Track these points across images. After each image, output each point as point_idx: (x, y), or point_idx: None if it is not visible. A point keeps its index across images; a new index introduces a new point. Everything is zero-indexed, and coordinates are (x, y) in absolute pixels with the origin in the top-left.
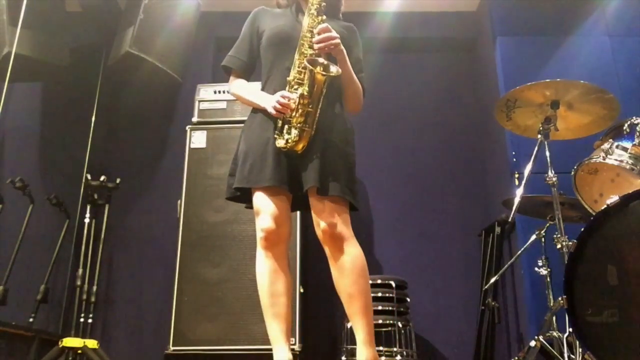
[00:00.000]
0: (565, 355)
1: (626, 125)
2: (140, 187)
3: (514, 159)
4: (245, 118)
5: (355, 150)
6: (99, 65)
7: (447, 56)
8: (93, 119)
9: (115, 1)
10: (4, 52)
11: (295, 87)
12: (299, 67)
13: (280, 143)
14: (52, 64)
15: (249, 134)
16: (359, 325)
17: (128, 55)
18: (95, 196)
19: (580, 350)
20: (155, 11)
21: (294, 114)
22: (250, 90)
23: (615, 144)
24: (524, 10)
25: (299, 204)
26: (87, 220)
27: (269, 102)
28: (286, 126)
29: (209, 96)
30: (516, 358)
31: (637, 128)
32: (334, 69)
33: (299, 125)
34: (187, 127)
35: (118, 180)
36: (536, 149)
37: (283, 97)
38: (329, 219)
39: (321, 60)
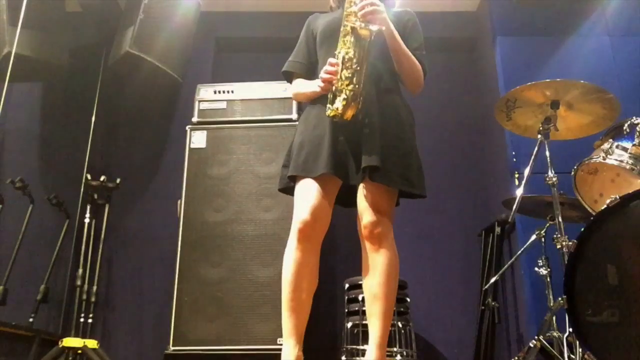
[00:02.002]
0: (565, 355)
1: (626, 125)
2: (140, 187)
3: (514, 159)
4: (245, 118)
5: (413, 134)
6: (99, 65)
7: (447, 56)
8: (93, 119)
9: (115, 1)
10: (4, 52)
11: (339, 54)
12: (343, 37)
13: (329, 112)
14: (52, 64)
15: (306, 126)
16: (376, 327)
17: (128, 55)
18: (95, 196)
19: (580, 350)
20: (155, 11)
21: (338, 77)
22: (304, 83)
23: (615, 144)
24: (524, 10)
25: (341, 199)
26: (87, 220)
27: (318, 80)
28: (335, 96)
29: (209, 96)
30: (516, 358)
31: (637, 128)
32: (375, 27)
33: (346, 86)
34: (187, 127)
35: (118, 180)
36: (536, 149)
37: (330, 64)
38: (373, 217)
39: (362, 22)
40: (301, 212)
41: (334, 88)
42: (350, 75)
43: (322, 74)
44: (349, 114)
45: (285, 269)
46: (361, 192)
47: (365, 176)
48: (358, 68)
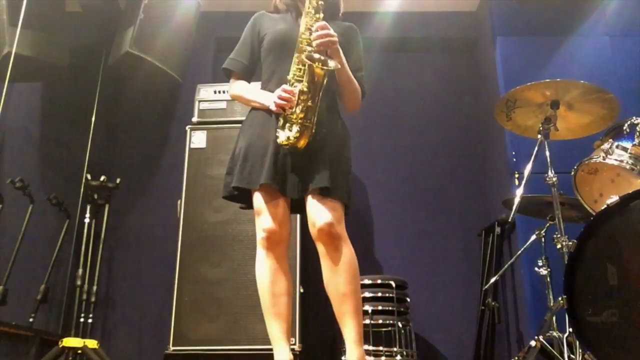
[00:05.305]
0: (565, 355)
1: (626, 125)
2: (140, 187)
3: (514, 159)
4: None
5: (350, 152)
6: (99, 65)
7: (447, 56)
8: (93, 119)
9: (115, 1)
10: (4, 52)
11: (295, 84)
12: (297, 65)
13: (281, 139)
14: (52, 64)
15: (250, 133)
16: (350, 325)
17: (128, 55)
18: (95, 196)
19: (580, 350)
20: (155, 11)
21: (294, 110)
22: (251, 90)
23: (615, 144)
24: (524, 10)
25: (294, 208)
26: (87, 220)
27: (270, 98)
28: (287, 123)
29: (209, 96)
30: (516, 358)
31: (637, 128)
32: (332, 64)
33: (299, 121)
34: (187, 127)
35: (118, 180)
36: (536, 149)
37: (285, 91)
38: (327, 218)
39: (319, 56)
40: (264, 221)
41: (285, 113)
42: (304, 109)
43: (276, 99)
44: (302, 144)
45: (261, 279)
46: (311, 200)
47: (311, 192)
48: (311, 105)
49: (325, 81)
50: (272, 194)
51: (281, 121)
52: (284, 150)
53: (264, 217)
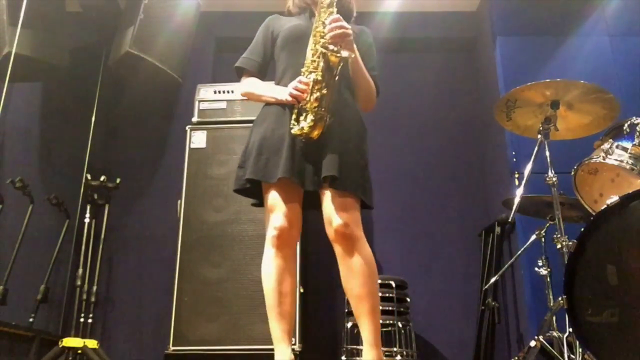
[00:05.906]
0: (565, 355)
1: (626, 125)
2: (140, 187)
3: (514, 159)
4: (245, 118)
5: (367, 147)
6: (99, 65)
7: (447, 56)
8: (93, 119)
9: (115, 1)
10: (4, 52)
11: (309, 75)
12: (312, 57)
13: (295, 130)
14: (52, 64)
15: (264, 127)
16: (366, 327)
17: (128, 55)
18: (95, 196)
19: (580, 350)
20: (155, 11)
21: (308, 98)
22: (263, 86)
23: (615, 144)
24: (524, 10)
25: (308, 203)
26: (87, 220)
27: (284, 91)
28: (302, 114)
29: (209, 96)
30: (516, 358)
31: (637, 128)
32: (346, 53)
33: (314, 109)
34: (187, 127)
35: (118, 180)
36: (536, 149)
37: (300, 82)
38: (342, 219)
39: (333, 47)
40: (277, 219)
41: (300, 104)
42: (319, 97)
43: (292, 90)
44: (316, 133)
45: (267, 278)
46: (326, 197)
47: (326, 184)
48: (326, 92)
49: (339, 68)
50: (288, 192)
51: (295, 114)
52: (300, 143)
53: (277, 214)
